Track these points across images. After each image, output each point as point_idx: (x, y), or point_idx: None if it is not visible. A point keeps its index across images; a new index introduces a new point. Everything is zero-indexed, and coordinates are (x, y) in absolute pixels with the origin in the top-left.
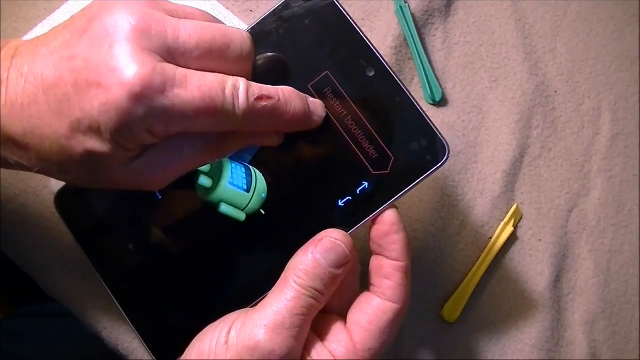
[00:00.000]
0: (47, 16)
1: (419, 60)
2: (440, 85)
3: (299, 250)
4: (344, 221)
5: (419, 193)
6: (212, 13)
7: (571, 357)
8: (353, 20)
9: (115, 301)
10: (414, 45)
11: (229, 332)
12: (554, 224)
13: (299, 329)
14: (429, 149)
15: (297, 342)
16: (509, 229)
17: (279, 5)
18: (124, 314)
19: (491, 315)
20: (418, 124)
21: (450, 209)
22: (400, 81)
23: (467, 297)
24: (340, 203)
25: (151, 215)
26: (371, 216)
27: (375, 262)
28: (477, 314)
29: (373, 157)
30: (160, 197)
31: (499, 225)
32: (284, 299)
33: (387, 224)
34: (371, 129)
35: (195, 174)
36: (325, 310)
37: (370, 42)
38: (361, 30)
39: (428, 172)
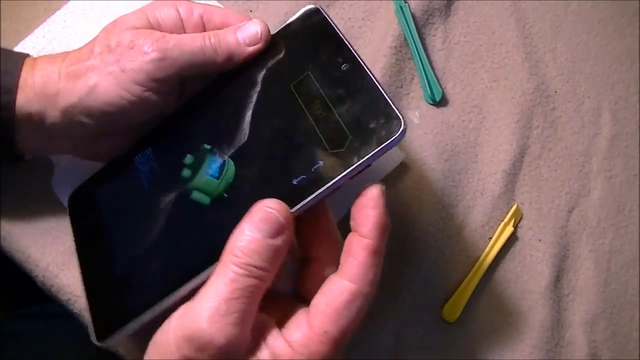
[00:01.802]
0: (47, 16)
1: (419, 60)
2: (440, 85)
3: (235, 229)
4: (296, 199)
5: (418, 193)
6: None
7: (571, 357)
8: (337, 27)
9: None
10: (414, 45)
11: (171, 322)
12: (554, 224)
13: (239, 314)
14: (385, 125)
15: (239, 328)
16: (509, 229)
17: (280, 27)
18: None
19: (491, 315)
20: (377, 103)
21: (450, 209)
22: (369, 69)
23: (467, 297)
24: (295, 181)
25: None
26: (319, 191)
27: (348, 238)
28: (477, 314)
29: (331, 137)
30: (147, 188)
31: (499, 225)
32: (220, 284)
33: (366, 197)
34: (334, 110)
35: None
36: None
37: (348, 41)
38: (342, 34)
39: (380, 147)
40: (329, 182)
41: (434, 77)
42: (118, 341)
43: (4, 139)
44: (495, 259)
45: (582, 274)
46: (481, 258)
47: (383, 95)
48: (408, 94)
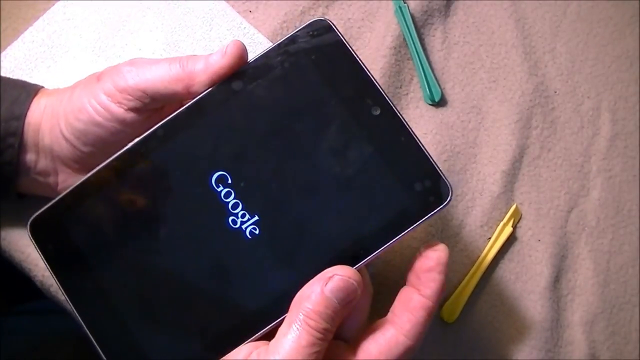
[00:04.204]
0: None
1: (418, 61)
2: (440, 86)
3: (304, 290)
4: (346, 259)
5: None
6: (215, 13)
7: (570, 357)
8: (359, 58)
9: (93, 339)
10: (413, 46)
11: None
12: (553, 224)
13: None
14: (432, 190)
15: None
16: (508, 229)
17: (285, 39)
18: (99, 350)
19: (490, 315)
20: (422, 165)
21: (449, 209)
22: (405, 121)
23: (466, 297)
24: (344, 241)
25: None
26: (372, 255)
27: (406, 292)
28: (476, 314)
29: (376, 195)
30: (158, 226)
31: (498, 225)
32: (298, 346)
33: (434, 260)
34: (375, 168)
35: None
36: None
37: (376, 81)
38: (367, 69)
39: (431, 213)
40: (381, 247)
41: (433, 78)
42: None
43: (8, 165)
44: (494, 259)
45: (582, 274)
46: (480, 258)
47: (425, 153)
48: (407, 94)
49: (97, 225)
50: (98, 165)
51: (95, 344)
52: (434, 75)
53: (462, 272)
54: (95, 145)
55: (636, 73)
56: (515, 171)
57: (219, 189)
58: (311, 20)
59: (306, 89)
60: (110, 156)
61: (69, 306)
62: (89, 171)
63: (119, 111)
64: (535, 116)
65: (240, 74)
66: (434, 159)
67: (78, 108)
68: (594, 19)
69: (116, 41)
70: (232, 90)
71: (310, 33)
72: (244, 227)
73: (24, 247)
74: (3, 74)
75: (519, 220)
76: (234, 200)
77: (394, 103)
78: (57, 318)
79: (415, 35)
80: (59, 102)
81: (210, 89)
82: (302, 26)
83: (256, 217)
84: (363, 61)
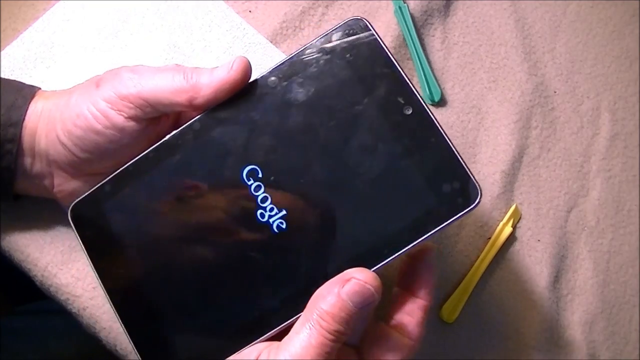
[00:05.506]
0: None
1: (417, 61)
2: (439, 86)
3: (321, 290)
4: (369, 258)
5: None
6: (215, 13)
7: (570, 357)
8: (394, 58)
9: (122, 324)
10: (413, 46)
11: None
12: (553, 224)
13: None
14: (461, 192)
15: None
16: (508, 229)
17: (321, 37)
18: (128, 337)
19: (490, 315)
20: (452, 166)
21: None
22: (437, 122)
23: (466, 297)
24: (368, 240)
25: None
26: (396, 255)
27: (401, 296)
28: (476, 314)
29: (405, 195)
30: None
31: (497, 225)
32: (308, 345)
33: (425, 262)
34: (405, 167)
35: None
36: None
37: (410, 80)
38: (401, 67)
39: (458, 215)
40: (406, 247)
41: (433, 78)
42: None
43: (6, 171)
44: (493, 260)
45: (581, 274)
46: (480, 258)
47: (455, 154)
48: None
49: (133, 213)
50: (98, 169)
51: (123, 327)
52: (434, 75)
53: (462, 272)
54: (92, 152)
55: (636, 73)
56: (515, 171)
57: (249, 183)
58: (348, 19)
59: (340, 87)
60: (111, 161)
61: (102, 291)
62: (84, 176)
63: (119, 119)
64: (534, 116)
65: (276, 70)
66: (465, 161)
67: (76, 114)
68: (593, 19)
69: (116, 42)
70: (267, 86)
71: (347, 32)
72: (271, 220)
73: (24, 247)
74: (2, 74)
75: (518, 221)
76: (263, 194)
77: (426, 103)
78: (58, 318)
79: (415, 35)
80: (56, 106)
81: (245, 85)
82: (339, 24)
83: (284, 212)
84: (398, 61)
